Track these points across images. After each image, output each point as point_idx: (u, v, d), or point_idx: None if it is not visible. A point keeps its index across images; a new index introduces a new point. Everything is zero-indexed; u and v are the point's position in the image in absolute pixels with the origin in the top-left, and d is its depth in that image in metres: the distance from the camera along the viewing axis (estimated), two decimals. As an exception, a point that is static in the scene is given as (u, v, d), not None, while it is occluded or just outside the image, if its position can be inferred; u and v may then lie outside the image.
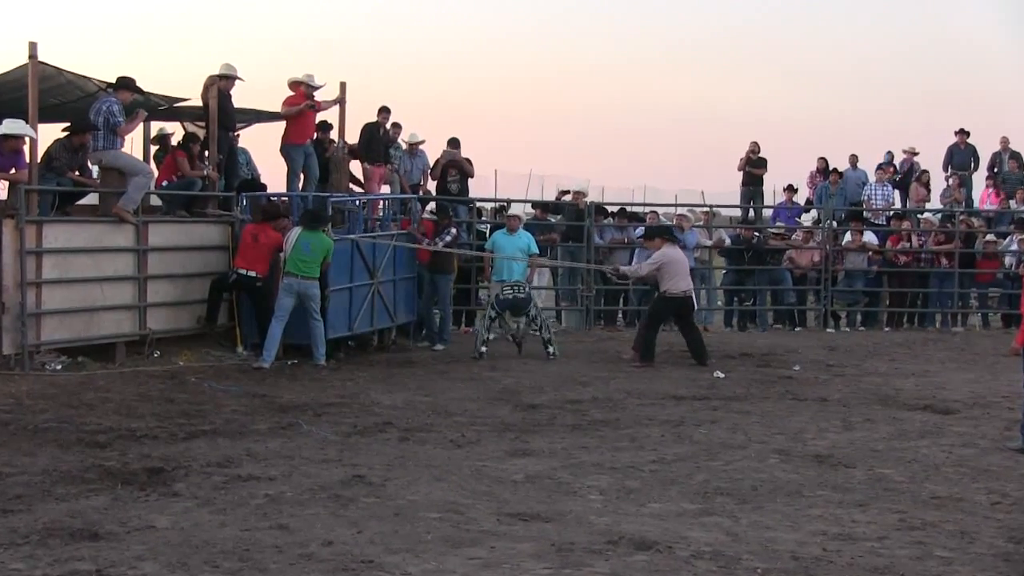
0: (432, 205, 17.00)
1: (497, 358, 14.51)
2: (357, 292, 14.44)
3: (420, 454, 8.79)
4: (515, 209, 18.16)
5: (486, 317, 14.95)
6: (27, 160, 12.53)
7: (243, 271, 13.65)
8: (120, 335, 13.15)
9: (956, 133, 22.76)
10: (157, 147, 16.18)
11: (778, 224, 21.50)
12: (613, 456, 8.85)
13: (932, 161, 22.92)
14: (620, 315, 19.25)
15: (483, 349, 14.55)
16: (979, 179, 22.66)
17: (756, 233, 19.79)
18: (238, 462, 8.29)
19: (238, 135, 16.27)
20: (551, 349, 14.69)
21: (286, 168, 16.33)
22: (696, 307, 15.39)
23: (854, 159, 22.55)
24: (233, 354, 13.76)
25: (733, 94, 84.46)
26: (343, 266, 14.12)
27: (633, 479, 8.09)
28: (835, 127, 76.12)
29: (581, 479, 8.04)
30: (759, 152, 22.81)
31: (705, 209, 20.86)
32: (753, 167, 22.72)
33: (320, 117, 16.74)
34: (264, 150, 23.67)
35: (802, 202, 22.75)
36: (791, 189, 22.27)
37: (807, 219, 22.29)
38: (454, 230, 15.93)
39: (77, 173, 13.42)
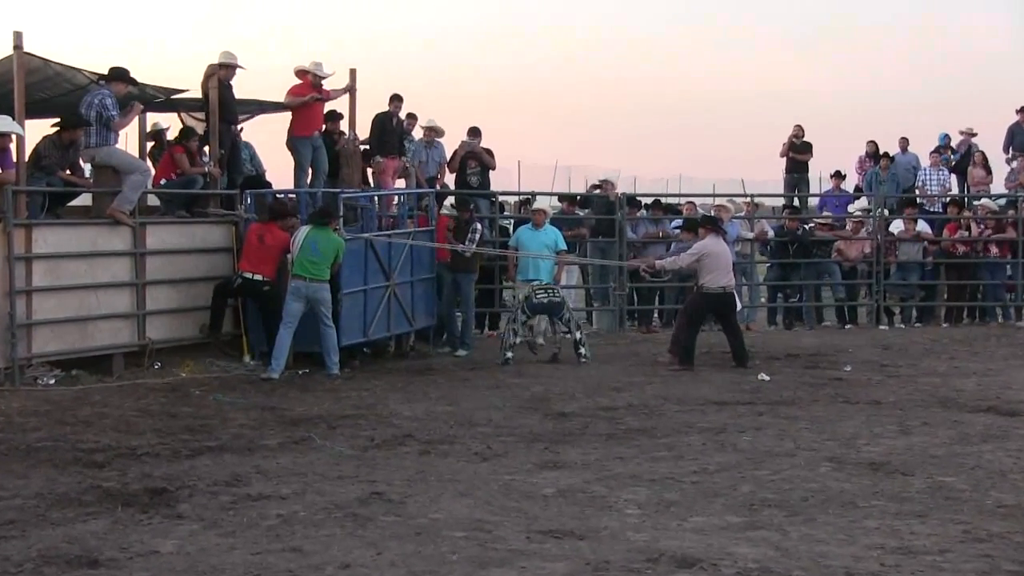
0: (451, 199, 16.96)
1: (524, 363, 14.51)
2: (372, 295, 14.45)
3: (443, 468, 8.79)
4: (540, 203, 18.14)
5: (514, 320, 14.92)
6: (14, 159, 12.59)
7: (249, 274, 13.68)
8: (117, 346, 13.22)
9: (1018, 111, 22.53)
10: (153, 143, 16.24)
11: (825, 213, 21.44)
12: (651, 467, 8.82)
13: (992, 142, 22.81)
14: (656, 315, 19.21)
15: (509, 355, 14.55)
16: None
17: (802, 224, 19.72)
18: (247, 480, 8.31)
19: (241, 128, 16.31)
20: (583, 351, 14.67)
21: (293, 162, 16.37)
22: (739, 305, 15.34)
23: (904, 142, 22.48)
24: (239, 364, 13.82)
25: (774, 74, 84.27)
26: (356, 267, 14.14)
27: (673, 491, 8.07)
28: (885, 108, 75.85)
29: (617, 492, 8.02)
30: (803, 136, 22.74)
31: (746, 199, 20.82)
32: (797, 152, 22.65)
33: (330, 106, 16.76)
34: (269, 143, 23.72)
35: (851, 189, 22.66)
36: (838, 175, 22.19)
37: (856, 207, 22.18)
38: (479, 226, 15.88)
39: (68, 172, 13.48)
